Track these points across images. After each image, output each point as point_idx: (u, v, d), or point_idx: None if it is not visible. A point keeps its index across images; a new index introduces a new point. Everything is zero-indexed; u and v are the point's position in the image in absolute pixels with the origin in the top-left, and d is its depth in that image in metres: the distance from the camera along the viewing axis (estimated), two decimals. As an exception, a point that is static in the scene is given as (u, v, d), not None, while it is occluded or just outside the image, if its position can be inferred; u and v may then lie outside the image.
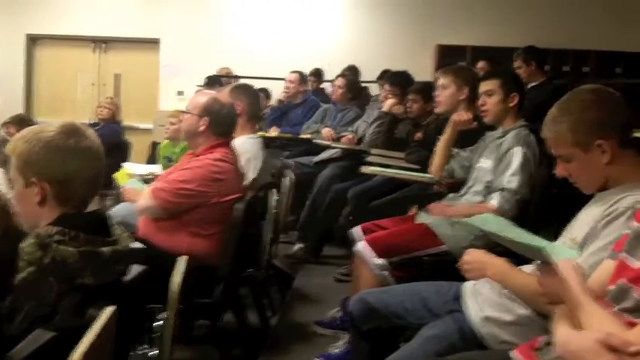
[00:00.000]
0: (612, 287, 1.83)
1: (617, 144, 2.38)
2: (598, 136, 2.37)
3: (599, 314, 1.75)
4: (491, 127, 4.06)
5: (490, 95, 3.94)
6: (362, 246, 3.76)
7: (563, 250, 2.31)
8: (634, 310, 1.71)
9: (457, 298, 2.75)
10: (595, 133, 2.38)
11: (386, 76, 7.02)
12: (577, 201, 2.57)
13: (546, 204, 3.77)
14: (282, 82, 8.28)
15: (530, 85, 6.67)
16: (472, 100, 4.28)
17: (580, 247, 2.33)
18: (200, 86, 8.01)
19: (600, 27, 10.30)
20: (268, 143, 6.24)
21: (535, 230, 3.66)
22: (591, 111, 2.40)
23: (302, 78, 8.11)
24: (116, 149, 7.38)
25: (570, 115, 2.43)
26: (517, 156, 3.71)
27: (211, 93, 4.13)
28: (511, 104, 3.91)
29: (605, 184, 2.42)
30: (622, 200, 2.28)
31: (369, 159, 5.33)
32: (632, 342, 1.58)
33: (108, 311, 1.80)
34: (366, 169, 4.89)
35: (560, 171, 2.51)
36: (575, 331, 1.78)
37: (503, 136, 3.89)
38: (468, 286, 2.75)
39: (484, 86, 3.99)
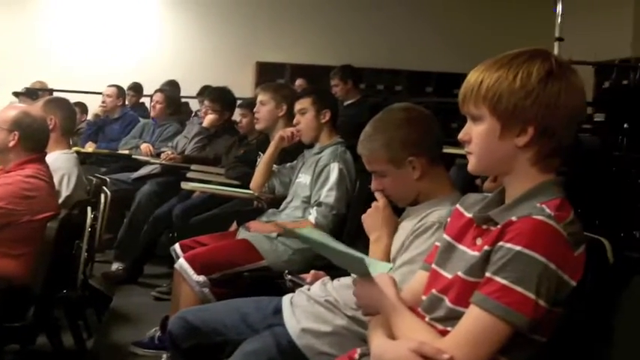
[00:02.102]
0: (425, 298, 1.90)
1: (427, 161, 2.49)
2: (410, 154, 2.47)
3: (413, 324, 1.81)
4: (311, 145, 4.14)
5: (303, 114, 4.06)
6: (181, 263, 3.73)
7: (379, 265, 2.38)
8: (445, 320, 1.78)
9: (277, 312, 2.77)
10: (407, 150, 2.48)
11: (206, 92, 7.00)
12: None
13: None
14: (100, 96, 8.08)
15: (346, 103, 6.86)
16: (291, 117, 4.34)
17: (393, 260, 2.42)
18: (17, 93, 7.70)
19: (413, 48, 10.75)
20: (84, 159, 6.07)
21: (352, 244, 3.78)
22: (403, 129, 2.50)
23: (120, 92, 7.94)
24: None
25: (384, 133, 2.52)
26: (334, 172, 3.82)
27: (21, 107, 3.98)
28: (323, 120, 4.03)
29: (417, 197, 2.52)
30: (430, 215, 2.38)
31: (189, 175, 5.28)
32: (444, 350, 1.64)
33: None
34: (186, 185, 4.85)
35: (375, 185, 2.59)
36: (390, 340, 1.83)
37: (320, 152, 3.99)
38: (286, 300, 2.78)
39: (297, 105, 4.12)
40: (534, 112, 1.69)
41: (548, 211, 1.66)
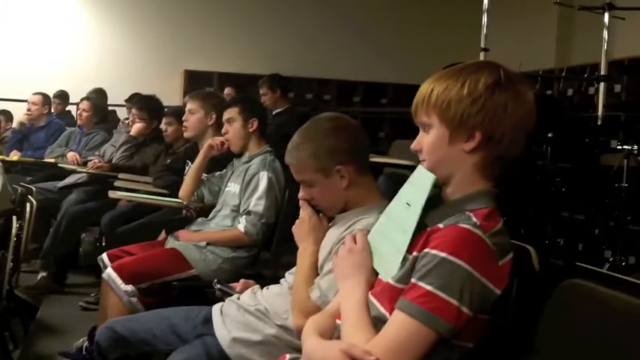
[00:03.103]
0: None
1: (355, 169, 2.51)
2: (337, 162, 2.49)
3: (358, 321, 1.81)
4: (240, 154, 4.14)
5: (231, 123, 4.06)
6: (109, 273, 3.69)
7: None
8: (376, 323, 1.79)
9: (206, 321, 2.77)
10: (334, 159, 2.49)
11: (134, 100, 6.95)
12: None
13: (290, 225, 3.92)
14: (25, 103, 7.94)
15: (275, 112, 6.88)
16: (220, 125, 4.33)
17: (320, 268, 2.43)
18: None
19: (341, 58, 10.84)
20: (9, 168, 5.96)
21: (281, 252, 3.80)
22: (331, 138, 2.51)
23: (45, 100, 7.82)
24: None
25: (311, 142, 2.53)
26: (263, 180, 3.83)
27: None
28: (251, 129, 4.04)
29: (345, 206, 2.54)
30: (357, 223, 2.40)
31: (117, 183, 5.22)
32: (371, 352, 1.66)
33: None
34: (113, 194, 4.79)
35: (302, 195, 2.60)
36: (323, 341, 1.85)
37: (249, 161, 3.99)
38: (216, 309, 2.78)
39: (225, 115, 4.12)
40: (481, 119, 1.74)
41: (474, 219, 1.70)
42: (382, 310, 1.79)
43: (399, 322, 1.67)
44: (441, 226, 1.72)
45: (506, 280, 1.70)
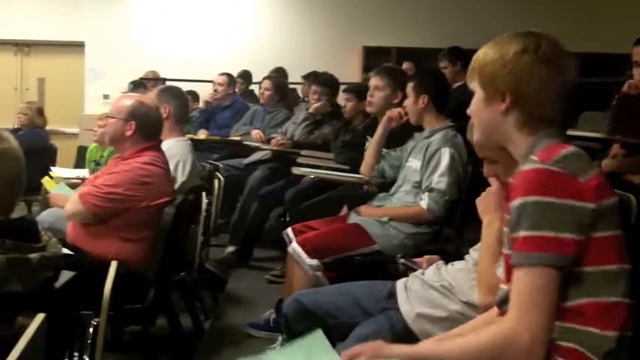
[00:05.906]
0: None
1: None
2: None
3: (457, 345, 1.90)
4: (420, 128, 4.12)
5: (408, 97, 4.09)
6: (294, 247, 3.77)
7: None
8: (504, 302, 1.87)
9: (390, 296, 2.77)
10: None
11: (310, 78, 7.05)
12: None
13: (473, 201, 3.86)
14: (210, 84, 8.23)
15: (455, 85, 6.76)
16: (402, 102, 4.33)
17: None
18: (134, 82, 7.91)
19: (516, 28, 10.49)
20: (196, 146, 6.20)
21: (461, 227, 3.75)
22: None
23: (230, 80, 8.07)
24: (42, 154, 7.25)
25: None
26: (445, 157, 3.79)
27: (136, 96, 4.05)
28: (422, 105, 4.00)
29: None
30: None
31: (300, 160, 5.33)
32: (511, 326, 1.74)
33: (38, 319, 1.76)
34: (297, 170, 4.89)
35: (487, 172, 2.55)
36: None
37: (430, 136, 3.95)
38: (400, 284, 2.78)
39: (407, 89, 4.11)
40: (508, 81, 1.90)
41: (534, 158, 1.80)
42: (503, 286, 1.92)
43: (517, 279, 1.74)
44: (510, 180, 1.83)
45: (595, 193, 1.74)
